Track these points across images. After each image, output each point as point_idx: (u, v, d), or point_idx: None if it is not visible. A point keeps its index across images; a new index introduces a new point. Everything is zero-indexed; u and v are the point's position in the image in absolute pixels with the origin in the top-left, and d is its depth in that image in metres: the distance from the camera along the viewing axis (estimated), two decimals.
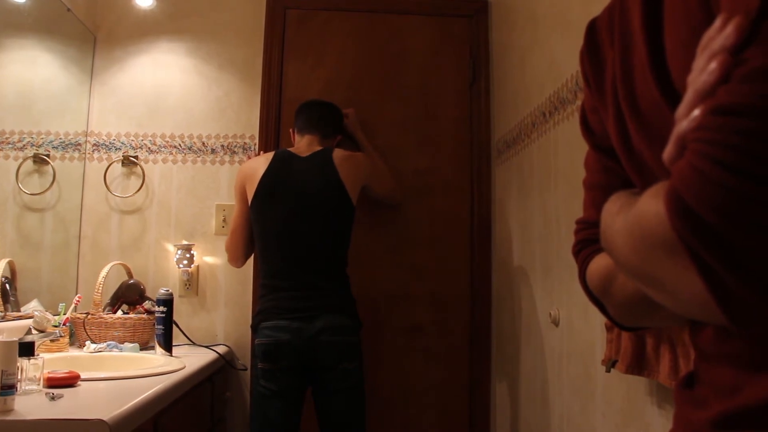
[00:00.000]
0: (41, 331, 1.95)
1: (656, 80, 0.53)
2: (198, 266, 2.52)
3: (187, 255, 2.46)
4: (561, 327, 1.78)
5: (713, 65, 0.42)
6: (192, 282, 2.51)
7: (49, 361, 1.66)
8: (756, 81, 0.39)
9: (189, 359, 1.96)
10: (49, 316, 2.03)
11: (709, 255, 0.40)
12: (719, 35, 0.42)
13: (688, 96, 0.44)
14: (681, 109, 0.44)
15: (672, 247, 0.42)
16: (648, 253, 0.46)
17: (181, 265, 2.47)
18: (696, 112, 0.42)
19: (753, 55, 0.40)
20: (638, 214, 0.47)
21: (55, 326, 2.00)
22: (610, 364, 1.31)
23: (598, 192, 0.68)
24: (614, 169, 0.67)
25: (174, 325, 2.15)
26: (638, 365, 1.22)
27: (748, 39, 0.40)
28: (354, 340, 2.02)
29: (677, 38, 0.51)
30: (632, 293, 0.59)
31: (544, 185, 1.93)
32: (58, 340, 2.00)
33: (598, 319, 1.46)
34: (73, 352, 2.07)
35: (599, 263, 0.65)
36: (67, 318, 2.10)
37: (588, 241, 0.69)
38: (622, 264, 0.53)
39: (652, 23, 0.54)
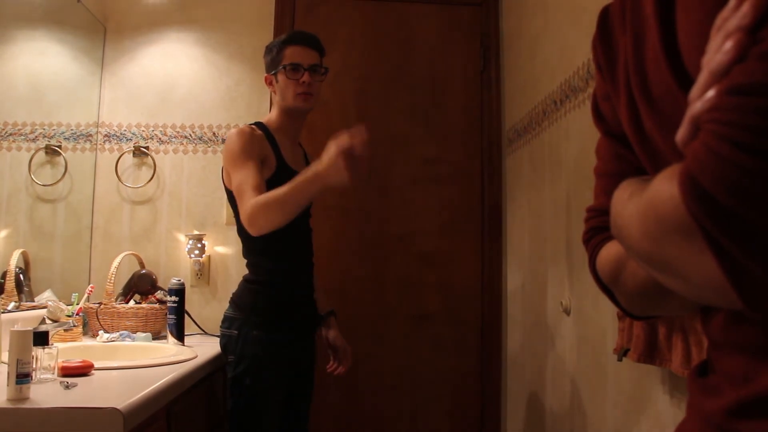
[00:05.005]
0: (55, 321, 1.97)
1: (669, 66, 0.52)
2: (209, 256, 2.53)
3: (199, 245, 2.48)
4: (572, 315, 1.78)
5: (729, 45, 0.40)
6: (203, 272, 2.52)
7: (63, 350, 1.68)
8: None
9: (201, 348, 1.97)
10: (63, 306, 2.05)
11: (725, 237, 0.39)
12: (735, 15, 0.41)
13: (702, 76, 0.43)
14: (695, 90, 0.43)
15: (686, 230, 0.41)
16: (661, 237, 0.45)
17: (192, 255, 2.48)
18: (710, 92, 0.41)
19: None
20: (651, 197, 0.46)
21: (69, 316, 2.02)
22: (622, 352, 1.31)
23: (609, 179, 0.67)
24: (626, 157, 0.66)
25: (186, 315, 2.17)
26: (650, 354, 1.22)
27: (764, 18, 0.39)
28: (226, 332, 1.86)
29: (690, 22, 0.50)
30: (643, 281, 0.58)
31: (556, 174, 1.92)
32: (71, 329, 2.01)
33: (609, 308, 1.45)
34: (87, 342, 2.09)
35: (609, 251, 0.64)
36: (80, 308, 2.11)
37: (598, 228, 0.68)
38: (634, 250, 0.52)
39: (665, 9, 0.53)
